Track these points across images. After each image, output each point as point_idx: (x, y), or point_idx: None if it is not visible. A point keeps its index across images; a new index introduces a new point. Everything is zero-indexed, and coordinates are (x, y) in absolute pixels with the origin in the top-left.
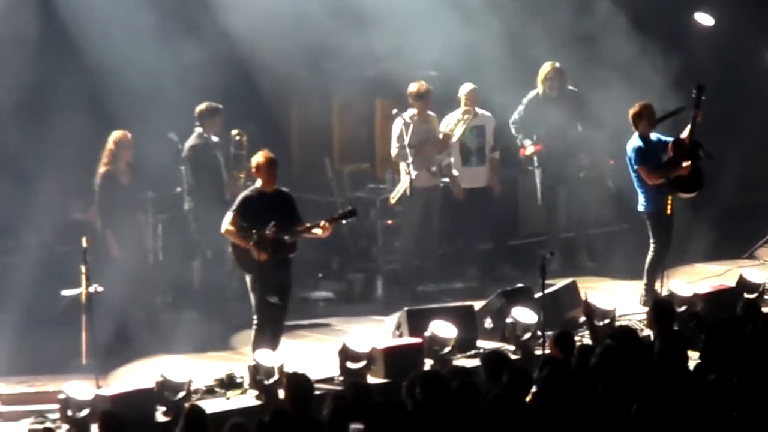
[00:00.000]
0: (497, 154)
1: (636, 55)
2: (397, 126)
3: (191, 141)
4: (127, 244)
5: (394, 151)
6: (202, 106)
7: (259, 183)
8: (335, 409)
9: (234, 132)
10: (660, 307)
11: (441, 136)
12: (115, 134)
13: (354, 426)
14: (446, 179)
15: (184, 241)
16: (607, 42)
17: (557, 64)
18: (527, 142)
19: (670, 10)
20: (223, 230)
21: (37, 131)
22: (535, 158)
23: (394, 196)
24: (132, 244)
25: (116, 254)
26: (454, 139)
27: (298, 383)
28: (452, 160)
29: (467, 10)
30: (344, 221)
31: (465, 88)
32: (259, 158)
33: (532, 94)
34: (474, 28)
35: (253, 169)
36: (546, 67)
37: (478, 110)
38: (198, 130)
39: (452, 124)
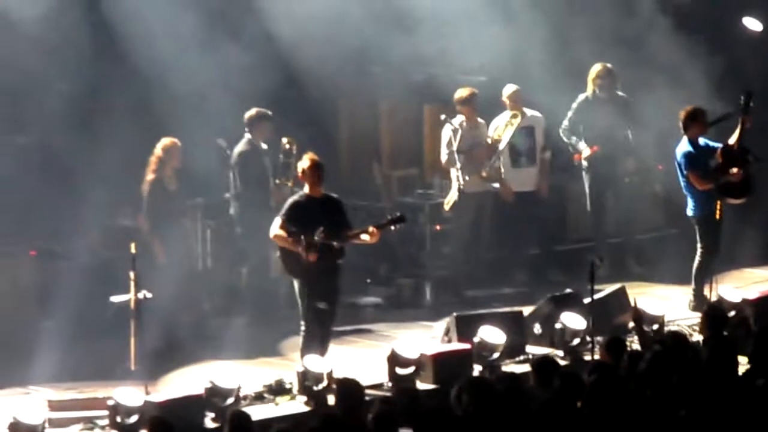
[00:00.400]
0: (548, 155)
1: (681, 58)
2: (446, 132)
3: (239, 147)
4: (174, 251)
5: (444, 157)
6: (251, 112)
7: (306, 188)
8: (381, 414)
9: (284, 140)
10: (712, 313)
11: (489, 141)
12: (164, 141)
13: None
14: (496, 184)
15: (232, 247)
16: (651, 44)
17: (609, 65)
18: (582, 145)
19: (715, 13)
20: (271, 235)
21: (86, 137)
22: (584, 162)
23: (447, 202)
24: (179, 250)
25: (163, 261)
26: (503, 143)
27: (348, 389)
28: (502, 161)
29: (512, 12)
30: (393, 227)
31: (508, 90)
32: (304, 162)
33: (581, 97)
34: (520, 31)
35: (299, 174)
36: (597, 67)
37: (527, 111)
38: (247, 136)
39: (501, 128)
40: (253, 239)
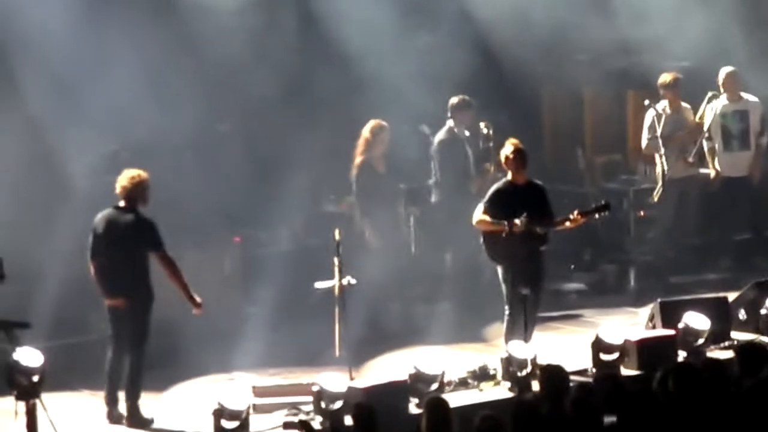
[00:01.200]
0: (765, 140)
1: None
2: (648, 117)
3: (440, 135)
4: (385, 234)
5: (644, 142)
6: (454, 99)
7: (509, 175)
8: (579, 400)
9: (482, 124)
10: None
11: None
12: (371, 123)
13: (608, 419)
14: (704, 170)
15: (434, 234)
16: None
17: None
18: None
19: None
20: (474, 221)
21: (289, 124)
22: None
23: (656, 193)
24: (390, 234)
25: (375, 244)
26: (706, 125)
27: (553, 375)
28: (715, 145)
29: None
30: (598, 215)
31: (724, 72)
32: (507, 149)
33: None
34: (723, 15)
35: (503, 161)
36: None
37: (743, 95)
38: (449, 123)
39: (701, 111)
40: (455, 226)
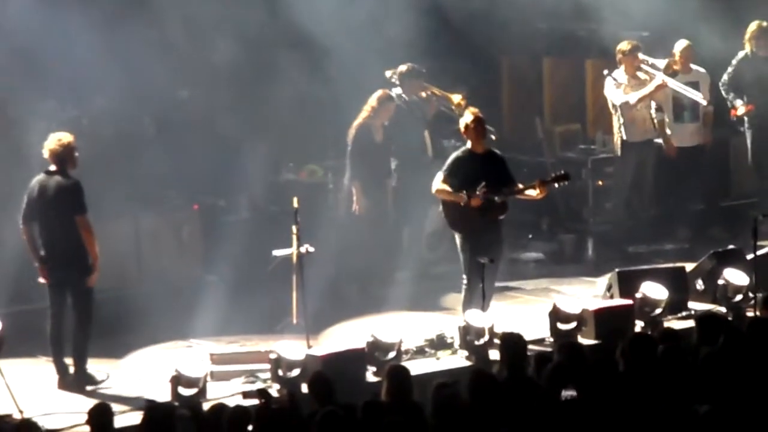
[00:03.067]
0: (711, 109)
1: None
2: (608, 85)
3: None
4: (369, 201)
5: (622, 99)
6: (403, 67)
7: (469, 144)
8: (552, 369)
9: (458, 97)
10: None
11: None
12: (379, 92)
13: (566, 392)
14: (659, 139)
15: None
16: None
17: (765, 23)
18: (738, 102)
19: None
20: (434, 190)
21: (250, 92)
22: (746, 119)
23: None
24: (375, 202)
25: (361, 208)
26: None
27: (512, 343)
28: (665, 117)
29: None
30: (557, 184)
31: (680, 45)
32: (467, 118)
33: (741, 54)
34: None
35: (462, 130)
36: (752, 26)
37: (693, 66)
38: (397, 90)
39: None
40: (412, 195)
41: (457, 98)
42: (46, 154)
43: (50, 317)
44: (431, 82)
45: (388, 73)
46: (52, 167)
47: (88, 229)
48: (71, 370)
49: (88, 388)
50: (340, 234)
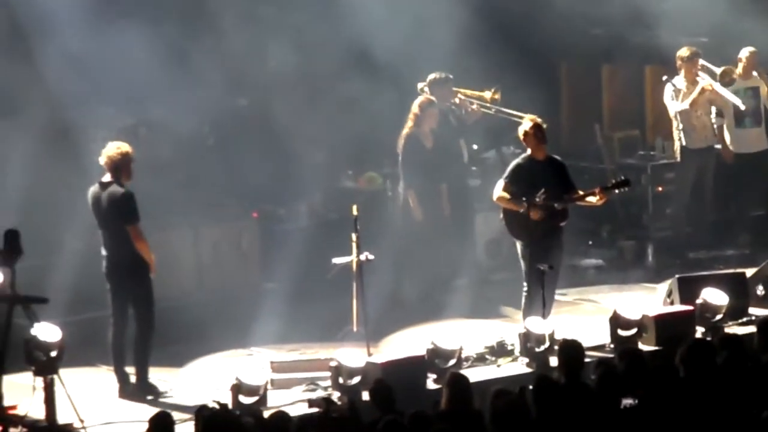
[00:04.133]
0: None
1: None
2: (667, 91)
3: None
4: (426, 209)
5: (676, 107)
6: (433, 75)
7: (529, 150)
8: (605, 375)
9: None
10: None
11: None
12: (420, 99)
13: (627, 401)
14: (719, 146)
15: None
16: None
17: None
18: None
19: None
20: (494, 198)
21: (308, 100)
22: None
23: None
24: (431, 209)
25: (419, 216)
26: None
27: (570, 350)
28: (725, 122)
29: None
30: (617, 191)
31: (746, 51)
32: (526, 125)
33: None
34: None
35: (521, 137)
36: None
37: (754, 73)
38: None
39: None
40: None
41: (488, 95)
42: (103, 160)
43: (112, 325)
44: (460, 85)
45: (420, 85)
46: (106, 177)
47: (139, 238)
48: (132, 379)
49: (149, 397)
50: (399, 241)
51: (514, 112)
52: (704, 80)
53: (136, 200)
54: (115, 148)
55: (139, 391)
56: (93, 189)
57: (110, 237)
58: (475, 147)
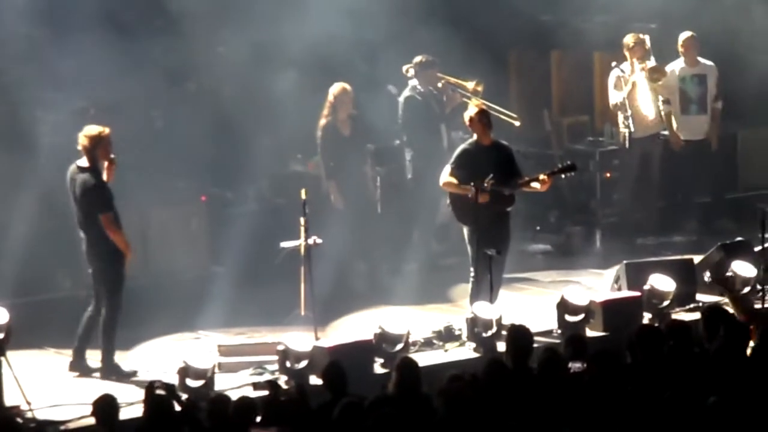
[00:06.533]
0: (720, 104)
1: None
2: (612, 77)
3: (405, 93)
4: (350, 196)
5: (613, 99)
6: (418, 58)
7: (475, 136)
8: (547, 360)
9: (471, 83)
10: None
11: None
12: (334, 87)
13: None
14: (665, 132)
15: (403, 195)
16: None
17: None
18: None
19: None
20: (441, 183)
21: (257, 85)
22: None
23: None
24: (355, 195)
25: (340, 206)
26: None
27: (518, 335)
28: (671, 109)
29: None
30: (563, 176)
31: (682, 36)
32: (472, 110)
33: None
34: None
35: (467, 122)
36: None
37: (700, 59)
38: (412, 82)
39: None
40: (427, 187)
41: (471, 85)
42: (79, 144)
43: (91, 304)
44: (445, 71)
45: (404, 68)
46: (82, 161)
47: (111, 227)
48: (89, 360)
49: (113, 377)
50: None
51: (499, 108)
52: (638, 75)
53: (109, 189)
54: (86, 131)
55: (105, 372)
56: (71, 169)
57: (83, 218)
58: (461, 134)
